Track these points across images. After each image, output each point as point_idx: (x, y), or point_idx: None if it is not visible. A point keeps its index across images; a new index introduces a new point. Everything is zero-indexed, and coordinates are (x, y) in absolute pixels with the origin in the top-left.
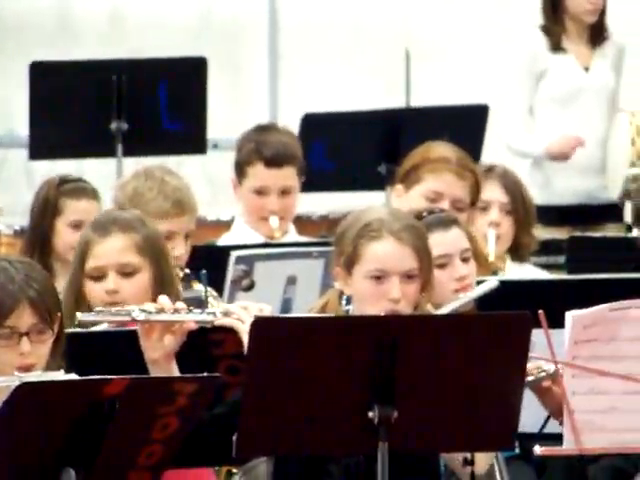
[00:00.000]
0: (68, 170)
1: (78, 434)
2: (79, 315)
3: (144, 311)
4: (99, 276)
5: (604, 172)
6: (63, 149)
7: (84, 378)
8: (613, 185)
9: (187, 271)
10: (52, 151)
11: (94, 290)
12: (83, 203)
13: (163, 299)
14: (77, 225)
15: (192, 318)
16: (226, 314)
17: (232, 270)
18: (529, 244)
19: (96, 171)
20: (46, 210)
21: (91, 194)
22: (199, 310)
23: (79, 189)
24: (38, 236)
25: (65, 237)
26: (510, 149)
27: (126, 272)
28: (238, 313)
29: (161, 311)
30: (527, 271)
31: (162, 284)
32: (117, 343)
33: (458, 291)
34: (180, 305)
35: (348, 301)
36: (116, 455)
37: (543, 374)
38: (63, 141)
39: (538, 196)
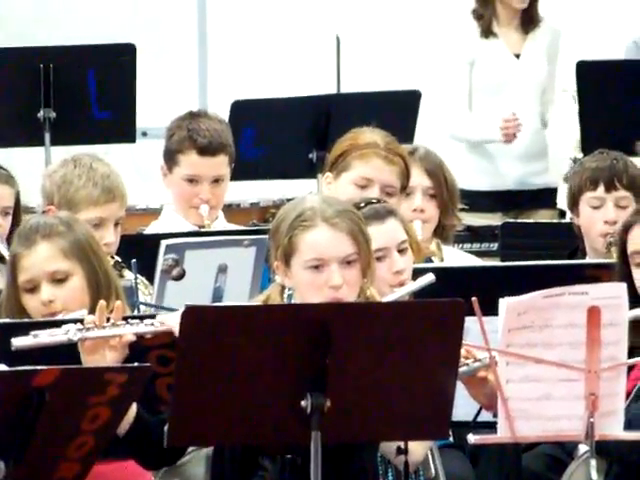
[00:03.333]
0: None
1: (7, 425)
2: (14, 341)
3: (80, 329)
4: (32, 288)
5: (540, 158)
6: None
7: (13, 369)
8: (555, 169)
9: (117, 259)
10: None
11: (30, 302)
12: None
13: (98, 311)
14: None
15: (130, 331)
16: (163, 324)
17: (162, 259)
18: (453, 226)
19: (25, 160)
20: None
21: (3, 179)
22: (136, 321)
23: None
24: None
25: None
26: (453, 137)
27: (58, 279)
28: (174, 322)
29: (97, 325)
30: (456, 256)
31: (98, 283)
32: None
33: (395, 285)
34: (118, 319)
35: (290, 296)
36: (46, 446)
37: (477, 364)
38: None
39: (473, 182)
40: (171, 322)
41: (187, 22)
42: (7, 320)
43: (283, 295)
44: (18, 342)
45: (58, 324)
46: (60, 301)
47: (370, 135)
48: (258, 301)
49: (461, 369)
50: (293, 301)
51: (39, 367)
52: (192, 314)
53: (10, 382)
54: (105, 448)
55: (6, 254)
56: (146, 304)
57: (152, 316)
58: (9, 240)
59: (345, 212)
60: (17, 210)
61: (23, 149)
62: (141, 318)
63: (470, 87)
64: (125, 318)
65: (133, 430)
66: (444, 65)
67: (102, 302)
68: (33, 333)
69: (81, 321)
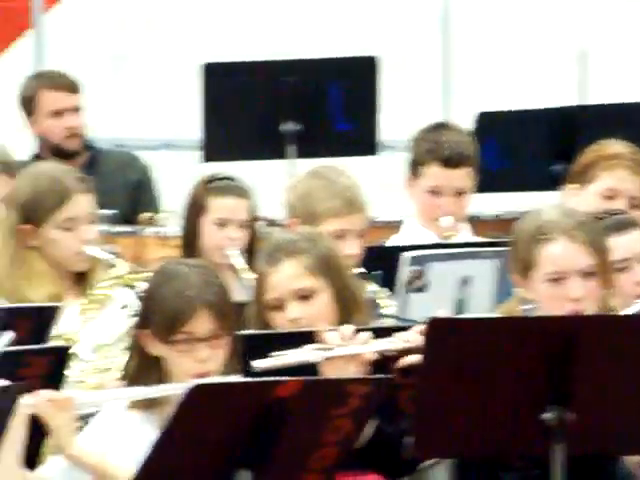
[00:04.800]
0: (240, 172)
1: (251, 436)
2: (254, 364)
3: (320, 349)
4: (279, 306)
5: None
6: (235, 151)
7: (257, 380)
8: None
9: (361, 270)
10: (225, 154)
11: (277, 320)
12: (228, 200)
13: (345, 329)
14: (222, 224)
15: (372, 349)
16: (406, 341)
17: (405, 271)
18: None
19: (268, 173)
20: (193, 209)
21: (238, 192)
22: (377, 339)
23: (226, 187)
24: (187, 236)
25: (210, 236)
26: None
27: (304, 296)
28: (416, 339)
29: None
30: None
31: (344, 298)
32: (292, 343)
33: (637, 297)
34: (360, 337)
35: (530, 309)
36: (289, 457)
37: None
38: (235, 143)
39: None
40: (412, 338)
41: (430, 34)
42: (253, 331)
43: (523, 308)
44: (258, 364)
45: (302, 339)
46: (308, 318)
47: (616, 147)
48: (499, 314)
49: None
50: (534, 314)
51: (282, 378)
52: (437, 326)
53: (254, 392)
54: (345, 459)
55: (241, 267)
56: (389, 316)
57: (388, 330)
58: (249, 253)
59: (584, 224)
60: (253, 223)
61: (268, 162)
62: (378, 333)
63: None
64: (359, 330)
65: (373, 442)
66: None
67: (346, 327)
68: (273, 354)
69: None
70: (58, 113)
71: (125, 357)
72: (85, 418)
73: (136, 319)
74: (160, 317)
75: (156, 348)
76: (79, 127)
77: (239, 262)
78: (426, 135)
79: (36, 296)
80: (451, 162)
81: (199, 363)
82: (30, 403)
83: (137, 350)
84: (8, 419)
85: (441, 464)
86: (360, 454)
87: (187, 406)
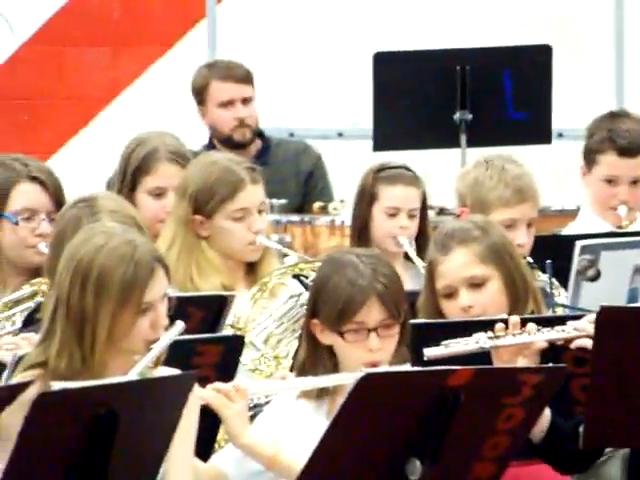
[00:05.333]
0: (411, 161)
1: (423, 425)
2: (426, 352)
3: (491, 337)
4: (450, 294)
5: None
6: (407, 140)
7: (428, 369)
8: None
9: (530, 260)
10: (396, 142)
11: (449, 308)
12: (399, 189)
13: (513, 319)
14: (393, 212)
15: (542, 338)
16: (576, 330)
17: (577, 260)
18: None
19: (441, 162)
20: (364, 197)
21: (408, 180)
22: (547, 328)
23: (396, 175)
24: (358, 224)
25: (380, 224)
26: None
27: (476, 284)
28: (588, 328)
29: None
30: None
31: (515, 286)
32: (463, 332)
33: None
34: (530, 326)
35: None
36: (461, 446)
37: None
38: (407, 132)
39: None
40: (584, 327)
41: (603, 21)
42: (422, 320)
43: None
44: (430, 352)
45: (472, 327)
46: (479, 306)
47: None
48: None
49: None
50: None
51: (454, 367)
52: (608, 315)
53: (426, 381)
54: (520, 451)
55: (414, 256)
56: (563, 305)
57: (560, 319)
58: (419, 242)
59: None
60: (424, 211)
61: (439, 151)
62: (549, 322)
63: None
64: (530, 319)
65: (548, 437)
66: None
67: (515, 318)
68: (444, 343)
69: (492, 326)
70: (228, 103)
71: (295, 346)
72: (257, 407)
73: (306, 308)
74: (330, 307)
75: (326, 337)
76: (249, 117)
77: (410, 251)
78: (602, 123)
79: (208, 286)
80: (628, 151)
81: (369, 352)
82: (201, 394)
83: (307, 339)
84: (181, 409)
85: (614, 459)
86: (536, 448)
87: (357, 396)
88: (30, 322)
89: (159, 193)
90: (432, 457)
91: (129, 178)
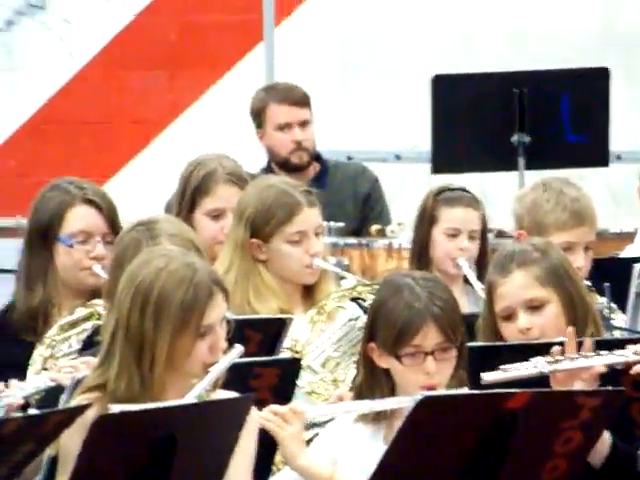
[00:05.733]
0: (470, 183)
1: (481, 448)
2: (484, 376)
3: (550, 362)
4: (509, 316)
5: None
6: (465, 163)
7: (486, 392)
8: None
9: (588, 283)
10: (454, 165)
11: (507, 330)
12: (459, 211)
13: (568, 339)
14: (453, 234)
15: (601, 362)
16: (637, 354)
17: (636, 282)
18: None
19: (499, 184)
20: (424, 219)
21: (468, 202)
22: (606, 352)
23: (456, 197)
24: (417, 247)
25: (440, 246)
26: None
27: (535, 307)
28: None
29: (567, 357)
30: None
31: (575, 309)
32: (522, 355)
33: None
34: (587, 347)
35: None
36: (520, 469)
37: None
38: (465, 155)
39: None
40: None
41: None
42: (479, 344)
43: None
44: (488, 377)
45: (530, 350)
46: (537, 329)
47: None
48: None
49: None
50: None
51: (512, 390)
52: None
53: (484, 404)
54: (580, 476)
55: (473, 278)
56: (621, 328)
57: (619, 342)
58: (479, 264)
59: None
60: (484, 234)
61: (497, 173)
62: (610, 345)
63: None
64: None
65: (609, 461)
66: None
67: (570, 329)
68: (502, 367)
69: (548, 349)
70: (286, 126)
71: (354, 370)
72: (314, 427)
73: (364, 332)
74: (387, 331)
75: (383, 361)
76: (307, 141)
77: (469, 273)
78: None
79: (265, 309)
80: None
81: (426, 376)
82: (258, 416)
83: (365, 363)
84: (239, 431)
85: None
86: (597, 473)
87: (416, 418)
88: (89, 345)
89: (217, 215)
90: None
91: (188, 200)
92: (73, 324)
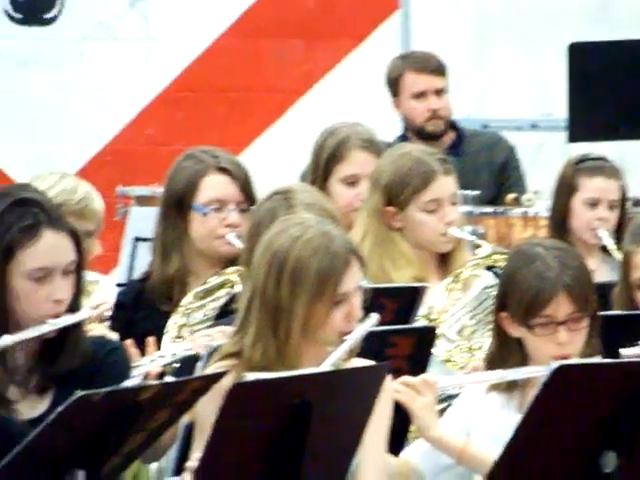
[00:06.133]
0: (605, 153)
1: (617, 417)
2: (623, 351)
3: None
4: None
5: None
6: (602, 131)
7: (623, 361)
8: None
9: None
10: (591, 133)
11: None
12: (597, 181)
13: None
14: (593, 204)
15: None
16: None
17: None
18: None
19: (636, 153)
20: (563, 189)
21: (609, 172)
22: None
23: (595, 167)
24: (556, 216)
25: (580, 216)
26: None
27: None
28: None
29: None
30: None
31: None
32: None
33: None
34: None
35: None
36: None
37: None
38: (602, 123)
39: None
40: None
41: None
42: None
43: None
44: (627, 352)
45: None
46: None
47: None
48: None
49: None
50: None
51: None
52: None
53: (621, 374)
54: None
55: (612, 248)
56: None
57: None
58: (618, 233)
59: None
60: (623, 204)
61: (635, 142)
62: None
63: None
64: None
65: None
66: None
67: None
68: None
69: None
70: (421, 95)
71: (489, 339)
72: (447, 400)
73: (495, 301)
74: (518, 300)
75: (515, 330)
76: (442, 109)
77: (608, 242)
78: None
79: (400, 277)
80: None
81: (559, 346)
82: (391, 388)
83: (497, 332)
84: (374, 400)
85: None
86: None
87: (551, 387)
88: (224, 314)
89: (352, 181)
90: (626, 450)
91: (322, 168)
92: (208, 292)
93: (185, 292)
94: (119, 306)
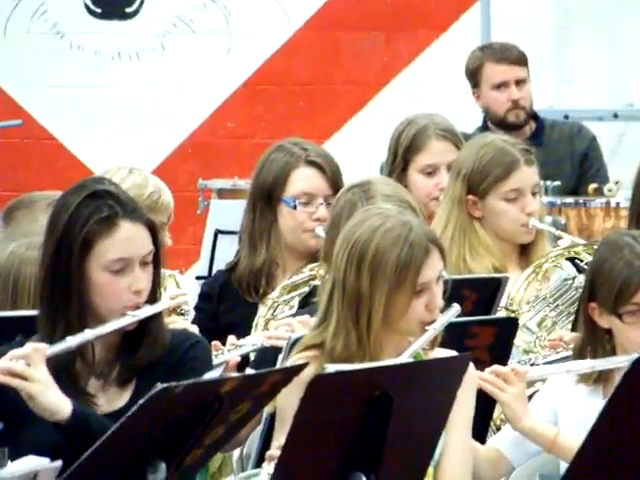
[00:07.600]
0: None
1: None
2: None
3: None
4: None
5: None
6: None
7: None
8: None
9: None
10: None
11: None
12: None
13: None
14: None
15: None
16: None
17: None
18: None
19: None
20: None
21: None
22: None
23: None
24: (637, 205)
25: None
26: None
27: None
28: None
29: None
30: None
31: None
32: None
33: None
34: None
35: None
36: None
37: None
38: None
39: None
40: None
41: None
42: None
43: None
44: None
45: None
46: None
47: None
48: None
49: None
50: None
51: None
52: None
53: None
54: None
55: None
56: None
57: None
58: None
59: None
60: None
61: None
62: None
63: None
64: None
65: None
66: None
67: None
68: None
69: None
70: (502, 85)
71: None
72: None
73: (584, 291)
74: (607, 289)
75: (604, 320)
76: (523, 99)
77: None
78: None
79: (480, 267)
80: None
81: None
82: (479, 378)
83: (585, 323)
84: (456, 390)
85: None
86: None
87: (632, 377)
88: (305, 305)
89: (431, 171)
90: None
91: (400, 159)
92: (296, 286)
93: (271, 284)
94: (204, 296)
